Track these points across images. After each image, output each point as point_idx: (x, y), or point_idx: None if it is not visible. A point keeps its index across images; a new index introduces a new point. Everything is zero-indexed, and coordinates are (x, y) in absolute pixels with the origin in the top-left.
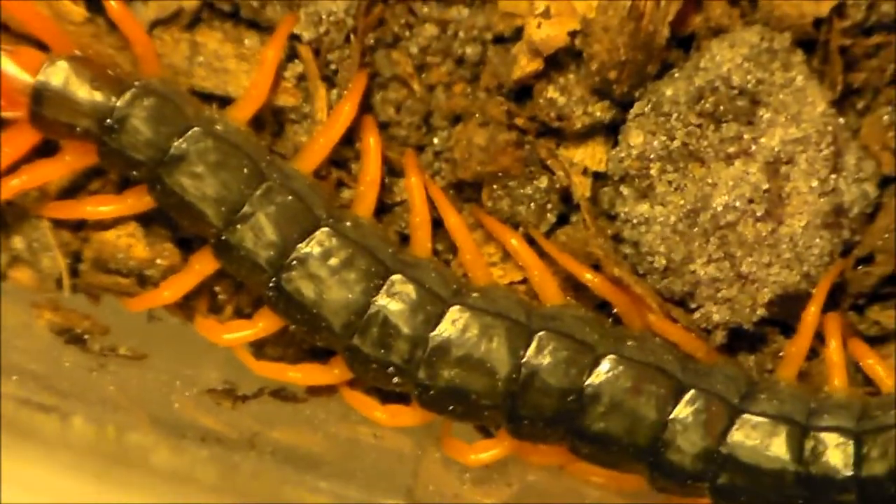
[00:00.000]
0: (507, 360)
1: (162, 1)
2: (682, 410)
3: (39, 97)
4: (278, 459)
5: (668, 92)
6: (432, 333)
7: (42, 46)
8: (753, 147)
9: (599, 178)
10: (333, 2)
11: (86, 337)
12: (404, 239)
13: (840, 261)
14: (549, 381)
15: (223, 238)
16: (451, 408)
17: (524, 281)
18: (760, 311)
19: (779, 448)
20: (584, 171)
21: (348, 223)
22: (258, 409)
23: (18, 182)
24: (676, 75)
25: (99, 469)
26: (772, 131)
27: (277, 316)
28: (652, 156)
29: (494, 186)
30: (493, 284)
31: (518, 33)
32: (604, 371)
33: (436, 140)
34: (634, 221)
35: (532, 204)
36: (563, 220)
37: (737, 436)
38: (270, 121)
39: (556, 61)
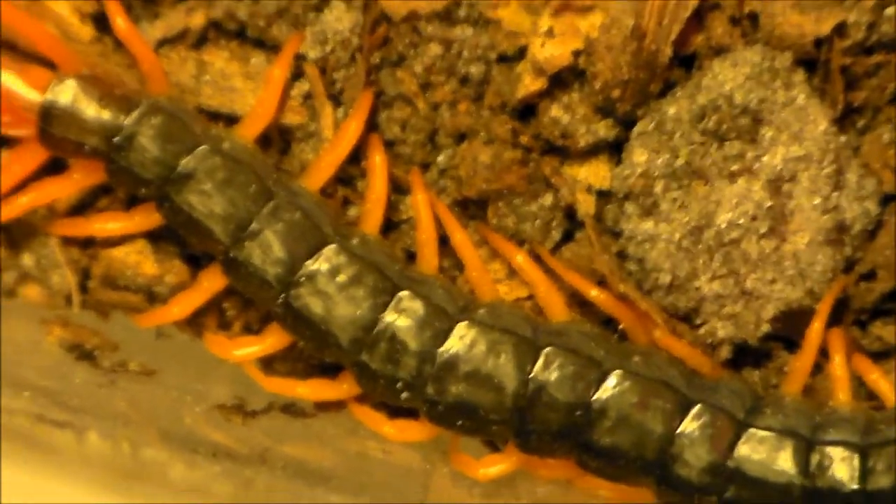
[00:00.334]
0: (515, 376)
1: (169, 20)
2: (689, 425)
3: (48, 115)
4: (289, 474)
5: (671, 110)
6: (440, 349)
7: (50, 65)
8: (756, 165)
9: (603, 195)
10: (339, 21)
11: (96, 353)
12: (411, 256)
13: (842, 277)
14: (557, 396)
15: (231, 255)
16: (459, 423)
17: (530, 297)
18: (765, 327)
19: (785, 462)
20: (589, 189)
21: (355, 240)
22: (268, 424)
23: (27, 200)
24: (679, 94)
25: (117, 484)
26: (774, 149)
27: (286, 332)
28: (656, 173)
29: (499, 204)
30: (500, 301)
31: (522, 52)
32: (610, 386)
33: (441, 158)
34: (639, 238)
35: (537, 221)
36: (567, 236)
37: (743, 450)
38: (277, 139)
39: (560, 80)
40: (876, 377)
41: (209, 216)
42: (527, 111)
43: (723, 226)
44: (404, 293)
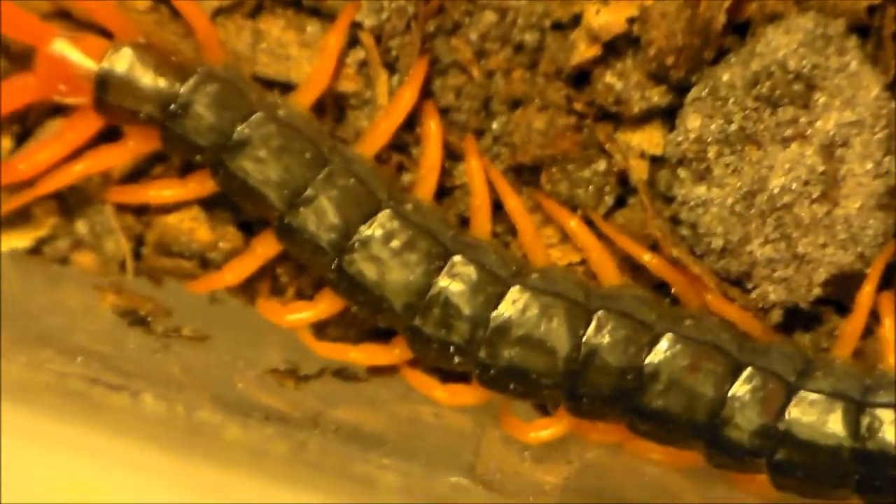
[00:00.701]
0: (567, 340)
1: None
2: (740, 388)
3: (104, 84)
4: (342, 438)
5: (725, 77)
6: (493, 314)
7: (106, 34)
8: (809, 130)
9: (656, 161)
10: None
11: (149, 319)
12: (464, 222)
13: (894, 241)
14: (609, 360)
15: (286, 221)
16: (511, 387)
17: (583, 262)
18: (816, 291)
19: (835, 424)
20: (642, 155)
21: (409, 206)
22: (320, 388)
23: (82, 167)
24: (733, 60)
25: (173, 443)
26: (827, 115)
27: (339, 297)
28: (709, 139)
29: (553, 170)
30: (552, 265)
31: (576, 20)
32: (662, 349)
33: (495, 125)
34: (692, 203)
35: (590, 187)
36: (620, 202)
37: (794, 413)
38: (332, 106)
39: (614, 47)
40: None
41: (264, 183)
42: (581, 78)
43: (775, 190)
44: (457, 258)
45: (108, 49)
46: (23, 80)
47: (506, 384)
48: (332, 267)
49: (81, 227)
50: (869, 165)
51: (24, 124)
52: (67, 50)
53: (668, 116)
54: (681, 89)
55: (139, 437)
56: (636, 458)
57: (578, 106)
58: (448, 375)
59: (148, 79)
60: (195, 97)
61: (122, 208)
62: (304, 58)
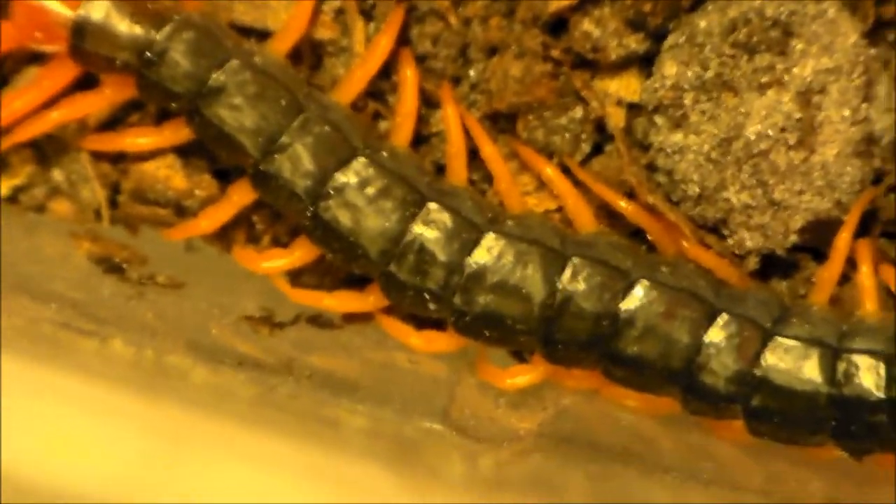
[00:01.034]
0: (542, 286)
1: None
2: (716, 334)
3: (80, 31)
4: (315, 384)
5: (702, 24)
6: (468, 260)
7: None
8: (786, 77)
9: (633, 108)
10: None
11: (124, 266)
12: (440, 169)
13: (871, 188)
14: (584, 306)
15: (261, 168)
16: (486, 333)
17: (559, 209)
18: (793, 238)
19: (811, 370)
20: (619, 102)
21: (385, 153)
22: (295, 335)
23: (58, 115)
24: (710, 8)
25: (139, 384)
26: (804, 61)
27: (314, 244)
28: (686, 86)
29: (529, 117)
30: (528, 212)
31: None
32: (638, 296)
33: (472, 72)
34: (668, 150)
35: (567, 134)
36: (597, 149)
37: (770, 359)
38: (308, 54)
39: None
40: None
41: (239, 130)
42: (558, 25)
43: (752, 137)
44: (433, 205)
45: None
46: None
47: (481, 331)
48: (308, 214)
49: (57, 174)
50: (846, 112)
51: (1, 72)
52: None
53: (646, 64)
54: (658, 36)
55: (107, 380)
56: (612, 405)
57: (555, 53)
58: (423, 322)
59: (124, 26)
60: (171, 44)
61: (98, 156)
62: (281, 6)
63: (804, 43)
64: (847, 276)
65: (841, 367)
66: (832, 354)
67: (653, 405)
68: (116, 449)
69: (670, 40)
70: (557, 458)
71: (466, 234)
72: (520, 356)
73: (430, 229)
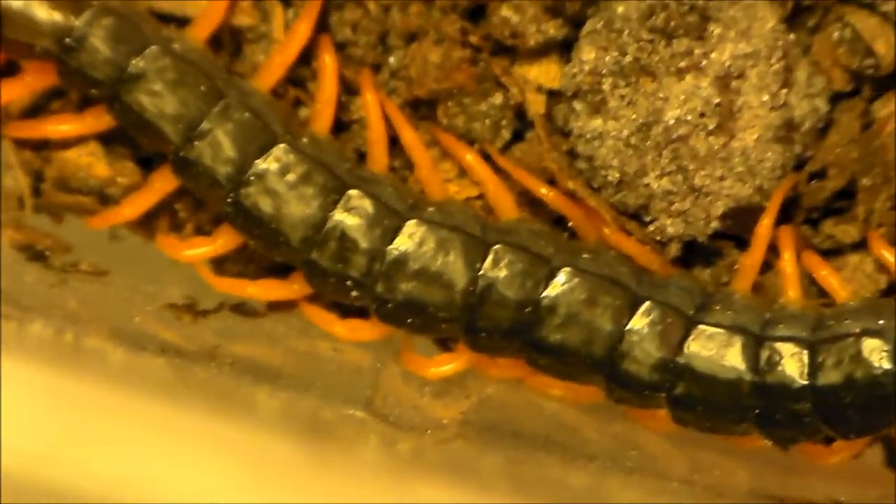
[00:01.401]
0: (464, 273)
1: None
2: (638, 322)
3: None
4: (237, 371)
5: (620, 9)
6: (389, 247)
7: None
8: (704, 62)
9: (553, 95)
10: None
11: (47, 254)
12: (362, 156)
13: (792, 175)
14: (506, 294)
15: (182, 155)
16: (409, 321)
17: (480, 196)
18: (714, 224)
19: (734, 358)
20: (539, 89)
21: (305, 140)
22: (219, 323)
23: None
24: None
25: (54, 364)
26: (722, 46)
27: (237, 232)
28: (604, 71)
29: (449, 104)
30: (449, 199)
31: None
32: (559, 283)
33: (392, 59)
34: (588, 136)
35: (487, 120)
36: (517, 136)
37: (693, 346)
38: (228, 41)
39: None
40: (826, 273)
41: (160, 116)
42: (477, 12)
43: (671, 122)
44: (354, 192)
45: None
46: None
47: (403, 318)
48: (229, 200)
49: None
50: (765, 97)
51: None
52: None
53: (565, 50)
54: (576, 22)
55: (25, 358)
56: (536, 394)
57: (474, 39)
58: (348, 311)
59: (43, 12)
60: (90, 30)
61: (20, 143)
62: None
63: (722, 28)
64: (769, 263)
65: (764, 354)
66: (755, 342)
67: (577, 394)
68: (34, 422)
69: (588, 26)
70: (479, 445)
71: (388, 221)
72: (444, 345)
73: (351, 216)
